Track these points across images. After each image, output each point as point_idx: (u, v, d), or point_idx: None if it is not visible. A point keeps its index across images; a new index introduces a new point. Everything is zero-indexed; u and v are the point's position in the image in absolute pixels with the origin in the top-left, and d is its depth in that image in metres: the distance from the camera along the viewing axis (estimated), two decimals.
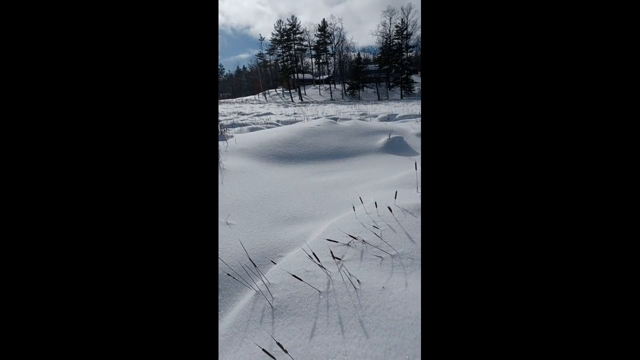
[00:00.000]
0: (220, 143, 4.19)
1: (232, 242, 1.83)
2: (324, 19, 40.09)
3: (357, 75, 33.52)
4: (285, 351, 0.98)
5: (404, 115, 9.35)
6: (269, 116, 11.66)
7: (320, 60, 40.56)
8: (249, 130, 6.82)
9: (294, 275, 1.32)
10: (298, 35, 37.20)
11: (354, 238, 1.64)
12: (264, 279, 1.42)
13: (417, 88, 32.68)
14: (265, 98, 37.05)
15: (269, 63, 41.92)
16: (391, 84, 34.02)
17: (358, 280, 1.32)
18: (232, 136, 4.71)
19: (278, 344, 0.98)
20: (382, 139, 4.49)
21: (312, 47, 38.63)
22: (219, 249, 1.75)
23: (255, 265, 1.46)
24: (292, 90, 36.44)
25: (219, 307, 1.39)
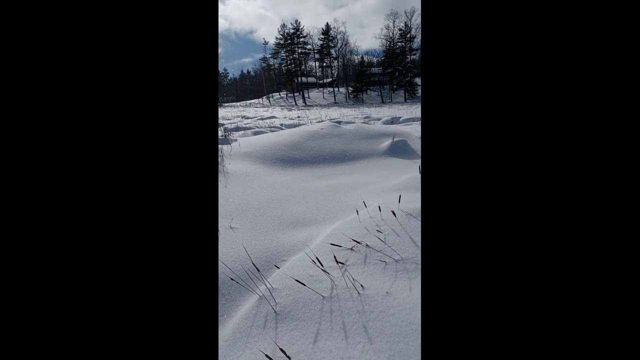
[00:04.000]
0: (224, 147, 4.21)
1: (235, 246, 1.84)
2: (327, 23, 40.29)
3: (360, 79, 33.59)
4: (288, 357, 0.98)
5: (408, 118, 9.33)
6: (272, 120, 11.71)
7: (324, 64, 40.74)
8: (253, 133, 6.86)
9: (297, 280, 1.32)
10: (302, 39, 37.44)
11: (358, 242, 1.64)
12: (267, 283, 1.42)
13: (420, 91, 32.59)
14: (269, 101, 37.26)
15: (272, 67, 42.21)
16: (395, 87, 34.04)
17: (362, 285, 1.31)
18: (236, 140, 4.74)
19: (281, 349, 0.97)
20: (386, 142, 4.48)
21: (315, 51, 38.84)
22: (223, 253, 1.75)
23: (258, 270, 1.46)
24: (295, 94, 36.63)
25: (222, 312, 1.39)
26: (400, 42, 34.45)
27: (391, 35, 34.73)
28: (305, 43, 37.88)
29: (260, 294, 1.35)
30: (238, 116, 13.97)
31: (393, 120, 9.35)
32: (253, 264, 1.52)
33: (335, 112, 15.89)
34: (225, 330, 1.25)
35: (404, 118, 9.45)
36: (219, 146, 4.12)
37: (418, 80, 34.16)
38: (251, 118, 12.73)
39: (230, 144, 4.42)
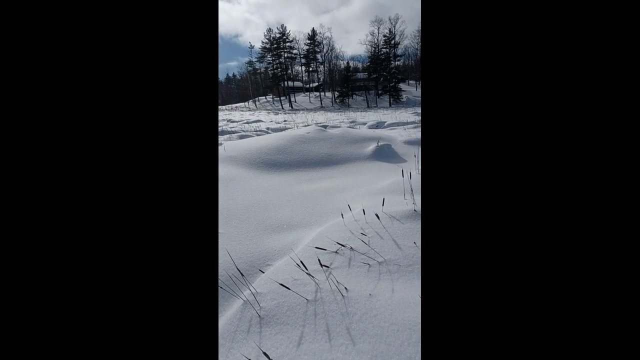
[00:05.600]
0: None
1: (219, 251, 1.82)
2: (313, 28, 40.61)
3: (346, 83, 33.96)
4: None
5: (392, 123, 9.49)
6: (258, 123, 11.65)
7: (310, 69, 40.93)
8: (239, 137, 6.80)
9: (281, 284, 1.32)
10: (288, 44, 37.53)
11: (342, 245, 1.66)
12: (251, 288, 1.42)
13: (404, 96, 33.31)
14: (255, 105, 37.04)
15: (258, 71, 42.03)
16: (380, 92, 34.57)
17: (345, 288, 1.33)
18: (221, 144, 4.69)
19: (264, 353, 0.97)
20: (371, 147, 4.54)
21: (301, 56, 39.00)
22: None
23: (242, 275, 1.46)
24: (282, 98, 36.57)
25: None
26: (384, 48, 35.12)
27: (376, 41, 35.37)
28: (292, 47, 38.01)
29: (245, 299, 1.35)
30: (223, 120, 13.82)
31: (378, 125, 9.49)
32: (237, 268, 1.51)
33: (321, 116, 15.97)
34: None
35: (389, 122, 9.61)
36: None
37: (402, 86, 34.85)
38: (237, 122, 12.62)
39: None
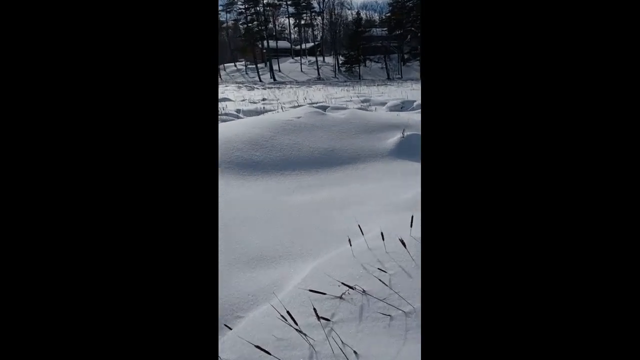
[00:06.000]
0: None
1: None
2: None
3: (356, 44, 34.23)
4: None
5: None
6: (225, 103, 11.72)
7: (302, 22, 41.32)
8: None
9: (258, 347, 1.31)
10: None
11: (350, 287, 1.65)
12: None
13: None
14: (220, 77, 37.27)
15: (225, 25, 42.38)
16: (406, 56, 34.88)
17: (355, 352, 1.33)
18: None
19: None
20: (393, 138, 4.57)
21: (289, 3, 39.38)
22: None
23: None
24: (260, 65, 36.83)
25: None
26: None
27: None
28: None
29: None
30: None
31: (403, 106, 9.57)
32: None
33: (318, 93, 16.08)
34: None
35: (419, 102, 9.68)
36: None
37: None
38: None
39: None
